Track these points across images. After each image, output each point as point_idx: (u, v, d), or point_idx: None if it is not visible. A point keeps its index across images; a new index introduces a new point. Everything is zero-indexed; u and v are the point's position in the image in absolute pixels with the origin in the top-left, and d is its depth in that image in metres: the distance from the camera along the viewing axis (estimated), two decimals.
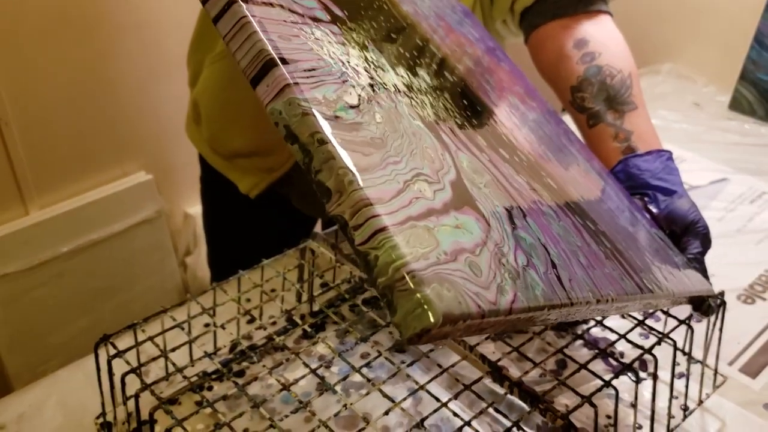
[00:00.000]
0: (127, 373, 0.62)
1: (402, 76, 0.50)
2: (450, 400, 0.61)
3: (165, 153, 1.62)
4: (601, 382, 0.63)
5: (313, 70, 0.40)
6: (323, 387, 0.64)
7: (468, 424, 0.59)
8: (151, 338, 0.65)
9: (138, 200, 1.55)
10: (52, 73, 1.38)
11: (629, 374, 0.65)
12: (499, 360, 0.66)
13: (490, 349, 0.77)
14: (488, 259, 0.39)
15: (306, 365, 0.64)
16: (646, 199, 0.72)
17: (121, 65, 1.47)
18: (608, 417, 0.70)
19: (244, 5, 0.41)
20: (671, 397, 0.68)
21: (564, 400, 0.72)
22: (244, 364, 0.76)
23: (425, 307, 0.32)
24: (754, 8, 1.30)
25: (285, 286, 0.77)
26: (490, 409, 0.61)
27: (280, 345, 0.74)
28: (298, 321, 0.72)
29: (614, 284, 0.50)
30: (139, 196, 1.55)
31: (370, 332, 0.76)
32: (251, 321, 0.81)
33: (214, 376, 0.74)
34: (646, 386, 0.73)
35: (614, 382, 0.62)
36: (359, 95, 0.42)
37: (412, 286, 0.32)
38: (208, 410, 0.67)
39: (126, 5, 1.43)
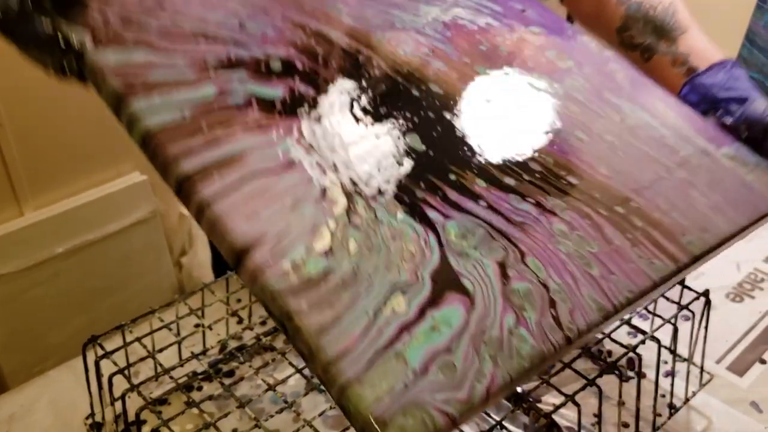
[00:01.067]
0: (114, 374, 0.62)
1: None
2: None
3: None
4: (585, 381, 0.63)
5: (282, 233, 0.43)
6: (311, 386, 0.65)
7: None
8: (138, 339, 0.66)
9: (133, 201, 1.55)
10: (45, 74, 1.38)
11: (615, 372, 0.66)
12: None
13: None
14: (466, 347, 0.42)
15: (292, 365, 0.64)
16: (718, 113, 0.71)
17: None
18: (595, 416, 0.71)
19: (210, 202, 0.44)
20: (656, 395, 0.68)
21: (551, 399, 0.73)
22: (234, 364, 0.77)
23: None
24: (745, 7, 1.31)
25: None
26: None
27: (268, 345, 0.75)
28: None
29: (637, 278, 0.49)
30: (133, 197, 1.55)
31: None
32: (241, 321, 0.81)
33: (203, 376, 0.74)
34: (634, 385, 0.74)
35: (601, 381, 0.63)
36: (332, 233, 0.45)
37: (378, 429, 0.37)
38: (197, 410, 0.68)
39: None
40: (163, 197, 1.63)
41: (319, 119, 0.51)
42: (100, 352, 0.64)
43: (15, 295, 1.41)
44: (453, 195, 0.50)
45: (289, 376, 0.66)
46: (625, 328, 0.75)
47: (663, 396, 0.72)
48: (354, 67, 0.56)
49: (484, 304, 0.44)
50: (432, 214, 0.48)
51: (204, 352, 0.70)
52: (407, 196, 0.49)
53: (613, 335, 0.69)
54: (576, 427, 0.66)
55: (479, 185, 0.52)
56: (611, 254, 0.50)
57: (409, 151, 0.52)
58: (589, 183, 0.55)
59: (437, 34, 0.63)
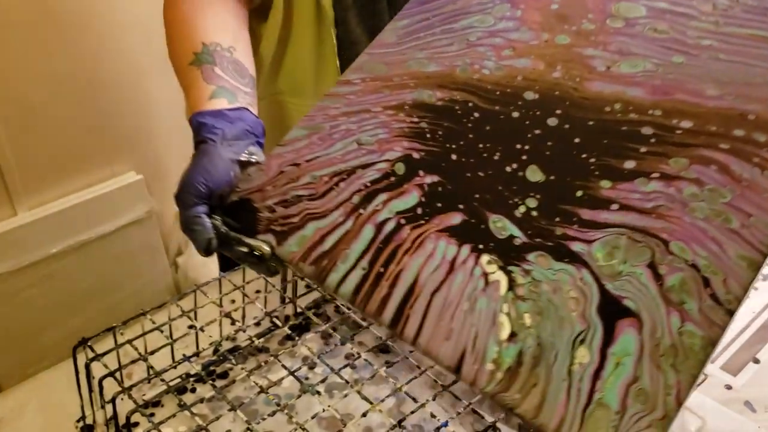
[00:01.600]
0: (105, 377, 0.62)
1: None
2: (428, 401, 0.61)
3: (155, 153, 1.61)
4: None
5: (475, 339, 0.50)
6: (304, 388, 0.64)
7: (445, 425, 0.59)
8: (129, 341, 0.65)
9: (128, 201, 1.55)
10: (39, 73, 1.38)
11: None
12: None
13: None
14: (649, 368, 0.46)
15: (285, 367, 0.64)
16: None
17: (110, 64, 1.47)
18: None
19: None
20: None
21: None
22: (227, 366, 0.76)
23: None
24: None
25: (268, 288, 0.77)
26: (471, 408, 0.61)
27: (261, 347, 0.74)
28: (279, 323, 0.72)
29: None
30: (129, 197, 1.55)
31: (353, 333, 0.76)
32: (234, 323, 0.81)
33: (196, 379, 0.74)
34: None
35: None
36: (508, 315, 0.50)
37: None
38: (193, 411, 0.67)
39: (115, 3, 1.43)
40: (158, 197, 1.63)
41: (452, 202, 0.56)
42: (91, 355, 0.64)
43: (8, 296, 1.40)
44: (587, 214, 0.52)
45: (283, 378, 0.65)
46: None
47: None
48: (456, 121, 0.59)
49: (650, 318, 0.47)
50: (576, 246, 0.51)
51: (197, 354, 0.70)
52: (548, 239, 0.52)
53: None
54: None
55: (605, 188, 0.53)
56: (744, 194, 0.50)
57: (532, 187, 0.54)
58: (703, 117, 0.53)
59: (508, 22, 0.63)
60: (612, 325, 0.47)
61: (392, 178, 0.57)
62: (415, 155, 0.58)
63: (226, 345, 0.78)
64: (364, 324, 0.71)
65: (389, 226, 0.56)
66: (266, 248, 0.55)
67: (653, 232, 0.50)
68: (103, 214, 1.52)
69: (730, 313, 0.46)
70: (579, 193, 0.53)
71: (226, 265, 1.12)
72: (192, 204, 0.58)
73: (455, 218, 0.55)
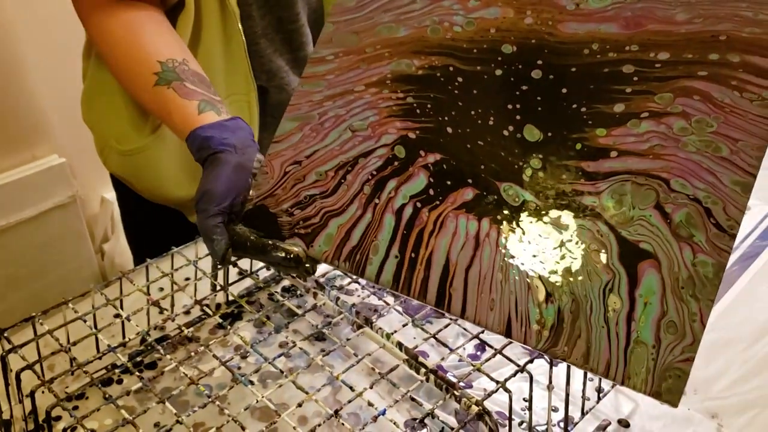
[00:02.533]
0: (23, 369, 0.58)
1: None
2: (365, 390, 0.60)
3: (78, 135, 1.54)
4: (516, 367, 0.63)
5: (517, 305, 0.54)
6: (236, 379, 0.62)
7: (383, 413, 0.58)
8: (50, 332, 0.62)
9: (50, 185, 1.48)
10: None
11: (545, 357, 0.66)
12: (416, 347, 0.65)
13: (411, 335, 0.77)
14: (673, 301, 0.50)
15: (216, 357, 0.62)
16: None
17: (28, 45, 1.40)
18: (525, 400, 0.71)
19: None
20: (585, 379, 0.69)
21: (482, 384, 0.73)
22: (156, 356, 0.73)
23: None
24: None
25: (198, 275, 0.74)
26: (409, 395, 0.60)
27: (191, 336, 0.72)
28: (210, 312, 0.70)
29: (759, 127, 0.51)
30: (51, 181, 1.48)
31: (287, 321, 0.74)
32: (162, 311, 0.78)
33: (122, 370, 0.71)
34: (564, 368, 0.74)
35: (531, 366, 0.62)
36: (540, 278, 0.54)
37: (658, 400, 0.50)
38: (119, 403, 0.65)
39: None
40: (82, 181, 1.56)
41: (461, 178, 0.57)
42: (8, 346, 0.60)
43: None
44: (590, 166, 0.54)
45: (214, 369, 0.63)
46: None
47: (591, 380, 0.72)
48: (441, 90, 0.59)
49: (666, 256, 0.51)
50: (587, 200, 0.54)
51: (123, 344, 0.67)
52: (560, 198, 0.54)
53: None
54: (506, 412, 0.66)
55: (601, 136, 0.54)
56: (728, 119, 0.52)
57: (532, 147, 0.56)
58: (677, 46, 0.54)
59: None
60: (634, 270, 0.51)
61: (396, 163, 0.58)
62: (411, 135, 0.58)
63: (155, 334, 0.75)
64: (299, 312, 0.69)
65: (408, 212, 0.57)
66: (301, 251, 0.57)
67: (654, 173, 0.53)
68: (24, 198, 1.45)
69: (733, 237, 0.50)
70: (578, 146, 0.55)
71: (140, 254, 1.08)
72: (213, 213, 0.59)
73: (467, 194, 0.56)
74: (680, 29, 0.54)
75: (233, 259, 0.61)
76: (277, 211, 0.60)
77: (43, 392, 0.61)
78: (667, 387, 0.49)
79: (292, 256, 0.58)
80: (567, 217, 0.54)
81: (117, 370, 0.70)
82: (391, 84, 0.60)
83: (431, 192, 0.57)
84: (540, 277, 0.53)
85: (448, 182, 0.57)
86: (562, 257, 0.53)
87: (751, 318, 0.85)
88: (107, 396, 0.59)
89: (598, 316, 0.51)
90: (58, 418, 0.66)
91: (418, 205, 0.57)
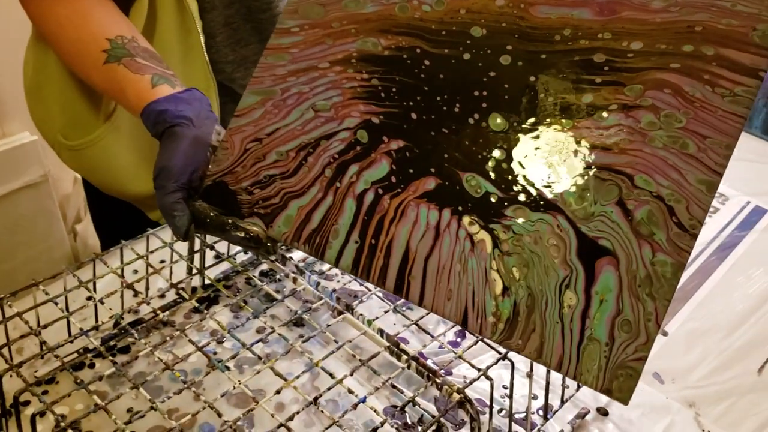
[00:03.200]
0: None
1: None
2: (345, 377, 0.59)
3: None
4: (498, 355, 0.62)
5: (474, 296, 0.54)
6: (212, 365, 0.61)
7: (363, 401, 0.57)
8: (19, 314, 0.60)
9: (21, 163, 1.45)
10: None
11: None
12: (397, 334, 0.64)
13: (391, 321, 0.76)
14: (629, 299, 0.50)
15: (192, 342, 0.60)
16: None
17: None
18: (505, 387, 0.70)
19: None
20: None
21: (463, 371, 0.72)
22: (129, 340, 0.72)
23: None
24: None
25: (174, 258, 0.73)
26: (390, 383, 0.59)
27: (166, 320, 0.70)
28: (185, 295, 0.68)
29: (728, 124, 0.50)
30: (21, 159, 1.45)
31: (265, 306, 0.73)
32: (137, 294, 0.76)
33: (94, 354, 0.69)
34: None
35: (511, 354, 0.62)
36: (497, 271, 0.53)
37: (609, 396, 0.50)
38: (91, 388, 0.63)
39: None
40: (54, 160, 1.53)
41: (423, 167, 0.56)
42: None
43: None
44: (554, 157, 0.53)
45: (190, 354, 0.62)
46: None
47: None
48: (407, 73, 0.57)
49: (625, 253, 0.50)
50: (548, 194, 0.53)
51: (96, 328, 0.65)
52: (523, 192, 0.53)
53: None
54: (486, 400, 0.65)
55: (567, 128, 0.53)
56: (698, 115, 0.51)
57: (497, 137, 0.55)
58: (652, 36, 0.53)
59: None
60: (592, 266, 0.51)
61: (358, 148, 0.57)
62: (375, 120, 0.57)
63: (128, 318, 0.73)
64: (278, 297, 0.68)
65: (369, 197, 0.56)
66: (261, 231, 0.56)
67: (618, 168, 0.52)
68: None
69: (695, 237, 0.50)
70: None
71: (107, 238, 1.05)
72: (171, 190, 0.58)
73: (429, 183, 0.55)
74: (655, 18, 0.53)
75: (197, 235, 0.60)
76: (237, 188, 0.59)
77: (11, 376, 0.59)
78: (618, 385, 0.49)
79: (251, 236, 0.57)
80: (527, 210, 0.53)
81: (89, 355, 0.68)
82: (356, 63, 0.58)
83: (393, 179, 0.56)
84: (498, 271, 0.53)
85: (411, 170, 0.56)
86: (521, 251, 0.53)
87: (729, 308, 0.85)
88: (78, 381, 0.57)
89: (553, 312, 0.51)
90: (27, 403, 0.65)
91: (380, 191, 0.56)
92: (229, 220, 0.58)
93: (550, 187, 0.53)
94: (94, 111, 0.85)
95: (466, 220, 0.54)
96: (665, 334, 0.81)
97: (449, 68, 0.56)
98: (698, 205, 0.50)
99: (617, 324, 0.50)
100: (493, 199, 0.54)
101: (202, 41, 0.80)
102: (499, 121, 0.55)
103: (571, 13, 0.55)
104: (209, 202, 0.59)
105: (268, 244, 0.57)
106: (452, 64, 0.56)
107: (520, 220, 0.53)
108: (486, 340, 0.64)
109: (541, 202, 0.53)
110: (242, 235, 0.57)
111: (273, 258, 0.69)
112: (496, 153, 0.54)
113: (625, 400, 0.49)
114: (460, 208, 0.54)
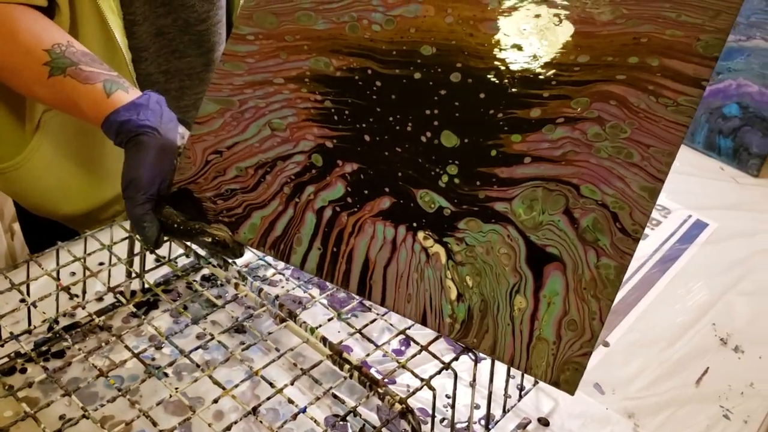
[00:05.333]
0: None
1: None
2: (286, 386, 0.58)
3: None
4: (441, 365, 0.62)
5: (431, 300, 0.57)
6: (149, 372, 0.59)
7: (303, 411, 0.56)
8: None
9: None
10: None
11: (469, 354, 0.65)
12: (341, 342, 0.64)
13: (336, 329, 0.75)
14: (575, 301, 0.53)
15: (128, 349, 0.58)
16: None
17: None
18: (448, 397, 0.70)
19: None
20: (508, 377, 0.69)
21: (407, 380, 0.72)
22: (64, 344, 0.69)
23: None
24: None
25: (112, 260, 0.70)
26: (331, 392, 0.59)
27: (103, 325, 0.68)
28: (123, 300, 0.66)
29: (671, 134, 0.52)
30: None
31: (206, 312, 0.71)
32: (73, 298, 0.73)
33: (26, 359, 0.66)
34: (487, 365, 0.74)
35: (455, 363, 0.62)
36: (452, 280, 0.56)
37: (557, 387, 0.54)
38: (21, 394, 0.60)
39: None
40: None
41: (378, 187, 0.57)
42: None
43: None
44: (504, 173, 0.55)
45: (126, 360, 0.60)
46: None
47: (513, 377, 0.72)
48: (359, 95, 0.58)
49: (571, 259, 0.53)
50: (499, 206, 0.55)
51: (29, 332, 0.63)
52: (474, 204, 0.55)
53: None
54: (428, 409, 0.65)
55: (516, 142, 0.55)
56: (642, 125, 0.53)
57: (449, 153, 0.56)
58: (598, 49, 0.54)
59: None
60: (540, 272, 0.54)
61: (314, 171, 0.58)
62: (329, 144, 0.58)
63: (64, 322, 0.71)
64: (218, 303, 0.66)
65: (327, 213, 0.58)
66: (227, 236, 0.58)
67: (565, 179, 0.54)
68: None
69: (637, 240, 0.52)
70: (493, 153, 0.55)
71: (34, 244, 1.01)
72: (141, 201, 0.58)
73: (384, 202, 0.57)
74: (602, 30, 0.54)
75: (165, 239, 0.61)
76: (201, 197, 0.59)
77: None
78: (565, 378, 0.53)
79: (218, 240, 0.58)
80: (479, 222, 0.55)
81: (20, 360, 0.65)
82: (309, 83, 0.58)
83: (349, 200, 0.57)
84: (452, 279, 0.56)
85: (366, 191, 0.57)
86: (473, 261, 0.55)
87: (669, 320, 0.87)
88: (8, 387, 0.55)
89: (504, 315, 0.55)
90: None
91: (337, 209, 0.57)
92: (196, 226, 0.58)
93: (500, 199, 0.54)
94: (18, 129, 0.81)
95: (420, 235, 0.56)
96: (606, 345, 0.82)
97: (401, 88, 0.57)
98: (640, 211, 0.52)
99: (564, 324, 0.53)
100: (446, 213, 0.56)
101: (128, 59, 0.78)
102: (451, 137, 0.56)
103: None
104: (176, 208, 0.60)
105: (234, 247, 0.58)
106: (403, 84, 0.57)
107: (473, 231, 0.55)
108: (429, 349, 0.64)
109: (492, 214, 0.55)
110: (209, 240, 0.57)
111: (232, 269, 0.68)
112: (449, 169, 0.56)
113: (571, 391, 0.53)
114: (414, 224, 0.56)
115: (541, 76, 0.55)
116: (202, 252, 0.68)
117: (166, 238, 0.61)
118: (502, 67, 0.55)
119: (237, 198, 0.59)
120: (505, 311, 0.55)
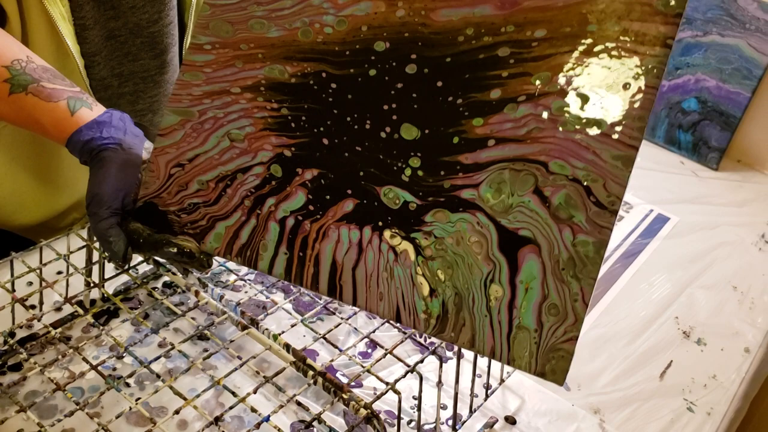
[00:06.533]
0: None
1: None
2: (249, 394, 0.57)
3: None
4: (405, 368, 0.62)
5: (404, 297, 0.55)
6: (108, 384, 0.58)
7: (267, 420, 0.55)
8: None
9: None
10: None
11: (435, 355, 0.65)
12: (305, 348, 0.63)
13: (301, 333, 0.74)
14: (554, 283, 0.51)
15: (86, 361, 0.57)
16: None
17: None
18: (414, 398, 0.70)
19: None
20: (474, 377, 0.69)
21: (373, 383, 0.71)
22: (22, 357, 0.68)
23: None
24: None
25: (70, 270, 0.69)
26: (296, 399, 0.58)
27: (61, 336, 0.66)
28: (80, 311, 0.65)
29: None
30: None
31: (168, 320, 0.70)
32: (29, 309, 0.72)
33: None
34: (453, 366, 0.74)
35: (421, 365, 0.62)
36: (423, 275, 0.55)
37: (543, 378, 0.52)
38: None
39: None
40: None
41: (340, 190, 0.56)
42: None
43: None
44: (468, 159, 0.53)
45: (85, 372, 0.59)
46: None
47: (480, 376, 0.72)
48: (315, 99, 0.57)
49: (546, 240, 0.52)
50: (466, 194, 0.53)
51: None
52: (439, 195, 0.54)
53: None
54: (395, 411, 0.65)
55: (478, 126, 0.53)
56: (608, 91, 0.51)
57: (410, 146, 0.55)
58: (555, 21, 0.52)
59: None
60: (515, 257, 0.52)
61: (273, 182, 0.57)
62: (287, 153, 0.57)
63: (21, 334, 0.69)
64: (178, 312, 0.65)
65: (290, 222, 0.57)
66: (194, 246, 0.57)
67: (532, 158, 0.52)
68: None
69: (614, 213, 0.51)
70: (455, 140, 0.54)
71: None
72: (105, 216, 0.57)
73: (348, 205, 0.56)
74: (557, 2, 0.53)
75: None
76: (166, 210, 0.59)
77: None
78: (551, 368, 0.51)
79: (185, 251, 0.57)
80: (446, 212, 0.54)
81: None
82: (265, 92, 0.57)
83: (311, 207, 0.56)
84: (423, 275, 0.54)
85: (327, 197, 0.56)
86: (444, 254, 0.54)
87: (632, 314, 0.88)
88: None
89: (480, 306, 0.53)
90: None
91: (300, 218, 0.56)
92: (163, 238, 0.58)
93: (466, 186, 0.53)
94: None
95: (387, 233, 0.55)
96: None
97: (356, 87, 0.56)
98: (615, 182, 0.51)
99: (544, 309, 0.51)
100: (411, 208, 0.54)
101: (81, 65, 0.76)
102: (411, 130, 0.55)
103: (473, 12, 0.54)
104: (143, 222, 0.59)
105: (202, 257, 0.58)
106: (359, 83, 0.56)
107: (441, 223, 0.54)
108: (394, 353, 0.64)
109: (460, 203, 0.53)
110: (175, 250, 0.57)
111: (192, 275, 0.67)
112: (413, 162, 0.55)
113: (559, 381, 0.51)
114: (380, 223, 0.55)
115: (498, 56, 0.53)
116: (161, 259, 0.66)
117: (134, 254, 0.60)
118: (458, 53, 0.54)
119: (200, 211, 0.58)
120: (481, 302, 0.53)
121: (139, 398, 0.56)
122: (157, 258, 0.67)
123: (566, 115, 0.52)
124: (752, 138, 1.25)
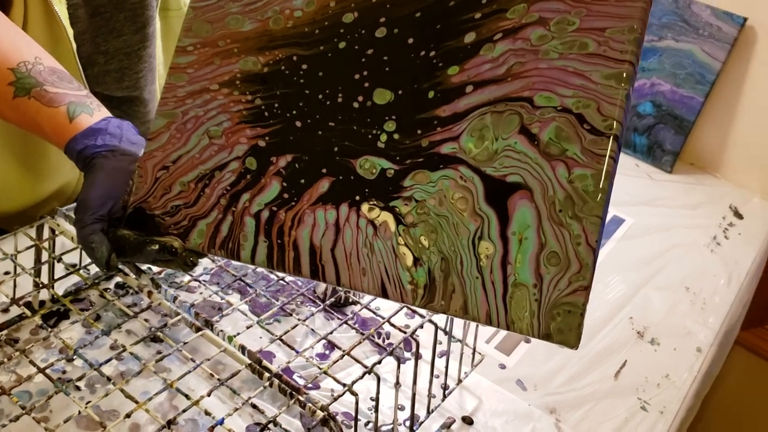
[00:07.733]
0: None
1: None
2: (202, 397, 0.56)
3: None
4: (363, 369, 0.61)
5: (387, 270, 0.51)
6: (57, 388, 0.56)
7: (221, 423, 0.54)
8: None
9: None
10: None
11: (393, 355, 0.65)
12: (260, 350, 0.62)
13: (257, 335, 0.73)
14: (551, 228, 0.47)
15: (34, 364, 0.55)
16: None
17: None
18: (372, 400, 0.69)
19: None
20: (432, 377, 0.69)
21: (331, 385, 0.71)
22: None
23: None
24: None
25: (17, 270, 0.67)
26: (252, 401, 0.57)
27: (8, 338, 0.64)
28: (28, 312, 0.63)
29: (631, 6, 0.49)
30: None
31: (120, 321, 0.68)
32: None
33: None
34: (411, 366, 0.74)
35: (379, 366, 0.61)
36: (406, 245, 0.51)
37: (549, 341, 0.47)
38: None
39: None
40: None
41: (314, 171, 0.54)
42: None
43: None
44: (445, 111, 0.51)
45: (32, 375, 0.57)
46: (405, 310, 0.75)
47: (438, 377, 0.72)
48: (287, 84, 0.55)
49: (538, 181, 0.48)
50: (446, 148, 0.50)
51: None
52: (418, 155, 0.51)
53: (392, 319, 0.68)
54: (353, 413, 0.64)
55: (453, 74, 0.51)
56: (592, 10, 0.49)
57: (384, 110, 0.52)
58: None
59: None
60: (504, 207, 0.48)
61: (248, 176, 0.56)
62: (261, 143, 0.55)
63: None
64: (130, 313, 0.64)
65: (264, 215, 0.55)
66: (177, 241, 0.56)
67: (514, 96, 0.49)
68: None
69: (615, 138, 0.47)
70: (431, 94, 0.51)
71: None
72: (89, 222, 0.56)
73: (323, 185, 0.53)
74: None
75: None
76: (153, 214, 0.58)
77: None
78: (557, 326, 0.46)
79: (168, 247, 0.56)
80: (427, 172, 0.51)
81: None
82: (240, 85, 0.57)
83: (285, 195, 0.55)
84: (405, 245, 0.51)
85: (302, 181, 0.54)
86: (426, 218, 0.50)
87: (588, 315, 0.88)
88: None
89: (469, 269, 0.49)
90: None
91: (274, 209, 0.55)
92: (147, 238, 0.57)
93: (446, 140, 0.51)
94: None
95: (364, 207, 0.52)
96: (528, 341, 0.83)
97: (326, 63, 0.55)
98: (609, 102, 0.47)
99: (543, 260, 0.47)
100: (389, 175, 0.52)
101: (74, 47, 0.76)
102: (384, 94, 0.53)
103: None
104: (133, 228, 0.58)
105: (184, 254, 0.57)
106: (329, 58, 0.55)
107: (421, 184, 0.51)
108: (351, 354, 0.63)
109: (440, 160, 0.50)
110: (157, 247, 0.56)
111: (145, 276, 0.66)
112: (387, 126, 0.52)
113: (570, 342, 0.46)
114: (357, 198, 0.52)
115: (469, 0, 0.51)
116: (146, 264, 0.65)
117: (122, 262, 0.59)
118: (427, 5, 0.53)
119: (182, 213, 0.57)
120: (471, 264, 0.49)
121: (90, 402, 0.54)
122: (138, 265, 0.65)
123: (547, 43, 0.49)
124: (705, 142, 1.28)
